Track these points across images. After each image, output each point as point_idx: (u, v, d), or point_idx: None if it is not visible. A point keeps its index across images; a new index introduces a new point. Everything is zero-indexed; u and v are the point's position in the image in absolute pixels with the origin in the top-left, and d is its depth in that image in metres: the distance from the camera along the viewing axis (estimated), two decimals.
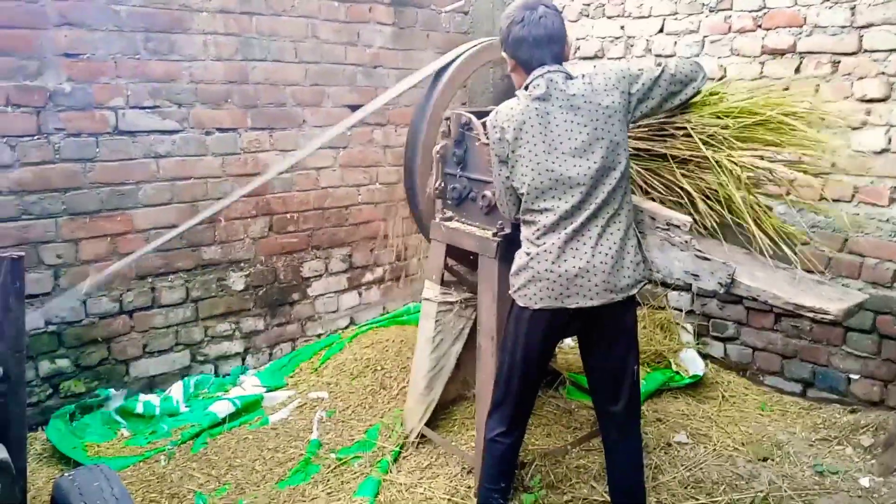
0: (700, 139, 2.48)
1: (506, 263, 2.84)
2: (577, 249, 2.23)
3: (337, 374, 3.86)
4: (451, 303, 3.14)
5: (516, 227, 2.84)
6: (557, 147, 2.24)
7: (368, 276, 4.45)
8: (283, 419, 3.47)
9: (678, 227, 2.34)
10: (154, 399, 3.44)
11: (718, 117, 2.53)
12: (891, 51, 3.25)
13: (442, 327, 3.15)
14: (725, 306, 3.98)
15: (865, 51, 3.33)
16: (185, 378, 3.65)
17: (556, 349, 3.42)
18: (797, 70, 3.54)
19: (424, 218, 3.23)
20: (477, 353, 2.93)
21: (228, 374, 3.83)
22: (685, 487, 2.98)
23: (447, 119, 3.03)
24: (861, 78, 3.35)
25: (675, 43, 4.02)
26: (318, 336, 4.23)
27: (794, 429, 3.45)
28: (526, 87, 2.32)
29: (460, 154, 3.00)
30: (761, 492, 2.92)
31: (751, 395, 3.78)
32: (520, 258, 2.36)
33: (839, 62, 3.41)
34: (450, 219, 3.11)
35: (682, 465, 3.12)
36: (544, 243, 2.27)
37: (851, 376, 3.55)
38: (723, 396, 3.76)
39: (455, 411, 3.48)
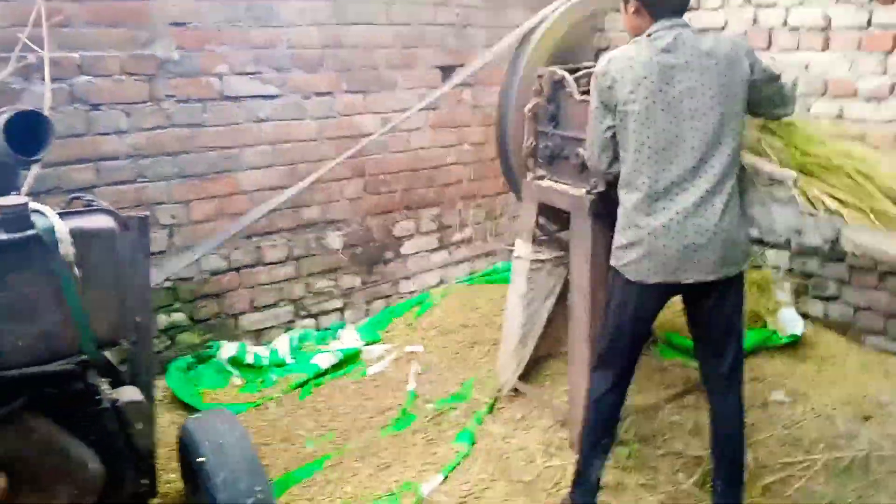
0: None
1: (599, 221, 2.87)
2: (699, 225, 2.17)
3: (430, 330, 3.98)
4: (543, 261, 3.18)
5: (611, 185, 2.85)
6: (677, 106, 2.15)
7: (458, 236, 4.53)
8: (381, 371, 3.62)
9: (782, 182, 2.30)
10: (262, 351, 3.64)
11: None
12: None
13: (534, 285, 3.20)
14: (826, 265, 3.86)
15: None
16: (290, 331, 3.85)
17: None
18: None
19: (516, 177, 3.26)
20: (569, 311, 2.98)
21: (328, 329, 4.00)
22: (782, 445, 2.96)
23: (540, 77, 3.03)
24: None
25: None
26: (411, 293, 4.35)
27: None
28: (648, 35, 2.23)
29: (553, 111, 3.01)
30: (862, 451, 2.88)
31: (852, 356, 3.68)
32: (630, 230, 2.27)
33: None
34: (542, 177, 3.13)
35: (780, 424, 3.10)
36: (658, 214, 2.20)
37: None
38: (822, 356, 3.68)
39: (546, 366, 3.54)
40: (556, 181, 3.07)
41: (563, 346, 3.44)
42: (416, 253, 4.35)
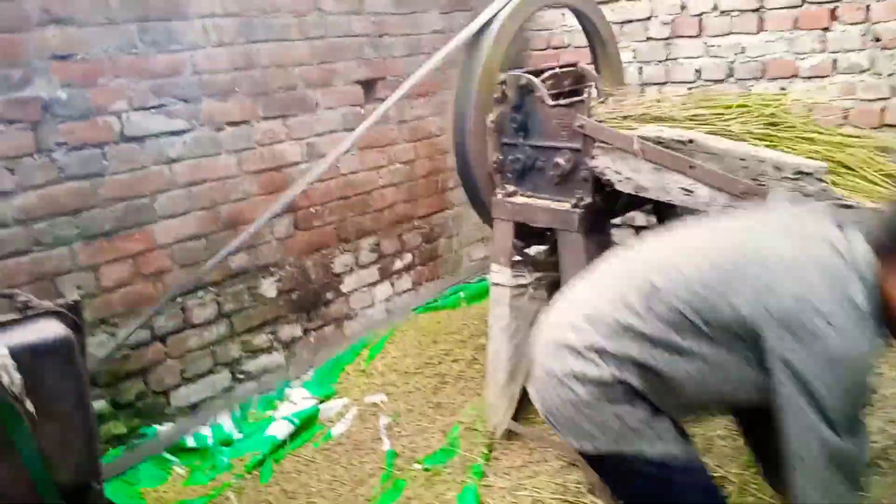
0: None
1: (590, 237, 2.61)
2: None
3: (389, 374, 3.57)
4: (525, 285, 2.88)
5: (604, 197, 2.61)
6: None
7: (398, 264, 4.14)
8: (345, 431, 3.18)
9: (810, 174, 2.10)
10: (204, 429, 3.11)
11: None
12: None
13: (517, 312, 2.88)
14: None
15: None
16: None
17: None
18: None
19: (483, 196, 2.93)
20: None
21: (273, 390, 3.50)
22: None
23: (502, 83, 2.73)
24: None
25: None
26: (357, 334, 3.92)
27: None
28: None
29: (521, 120, 2.72)
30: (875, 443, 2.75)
31: None
32: None
33: None
34: (513, 194, 2.82)
35: None
36: None
37: None
38: None
39: None
40: (532, 196, 2.78)
41: None
42: (358, 289, 3.93)
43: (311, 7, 3.51)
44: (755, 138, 2.34)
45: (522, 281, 2.86)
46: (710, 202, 2.31)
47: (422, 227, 4.22)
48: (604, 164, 2.51)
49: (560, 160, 2.62)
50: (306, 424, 3.21)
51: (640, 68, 4.05)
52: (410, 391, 3.41)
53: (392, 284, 4.11)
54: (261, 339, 3.50)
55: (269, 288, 3.50)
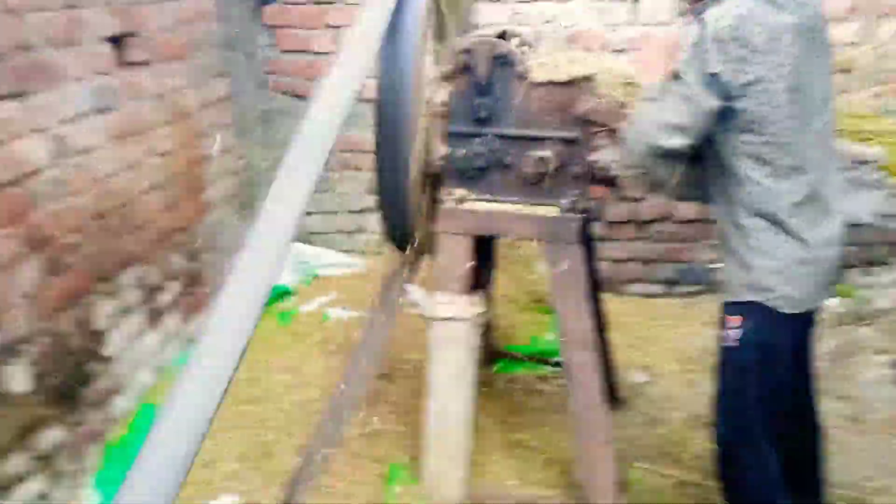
0: None
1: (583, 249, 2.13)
2: None
3: (222, 459, 2.50)
4: (483, 314, 2.23)
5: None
6: None
7: (166, 297, 2.92)
8: None
9: (868, 163, 1.97)
10: None
11: None
12: None
13: (472, 353, 2.23)
14: None
15: None
16: None
17: None
18: None
19: (409, 211, 2.12)
20: (569, 374, 2.15)
21: None
22: (692, 429, 2.74)
23: (466, 52, 1.99)
24: None
25: None
26: (127, 415, 2.66)
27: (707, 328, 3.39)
28: None
29: (488, 103, 2.03)
30: None
31: (624, 307, 3.67)
32: None
33: None
34: (462, 200, 2.13)
35: (685, 409, 2.88)
36: None
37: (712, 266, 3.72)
38: (613, 320, 3.58)
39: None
40: (494, 201, 2.13)
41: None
42: (124, 346, 2.65)
43: None
44: None
45: (479, 310, 2.21)
46: None
47: (185, 242, 3.05)
48: (613, 157, 2.02)
49: (545, 154, 2.04)
50: None
51: None
52: (272, 474, 2.43)
53: (161, 327, 2.89)
54: (15, 465, 2.10)
55: (19, 377, 2.11)
